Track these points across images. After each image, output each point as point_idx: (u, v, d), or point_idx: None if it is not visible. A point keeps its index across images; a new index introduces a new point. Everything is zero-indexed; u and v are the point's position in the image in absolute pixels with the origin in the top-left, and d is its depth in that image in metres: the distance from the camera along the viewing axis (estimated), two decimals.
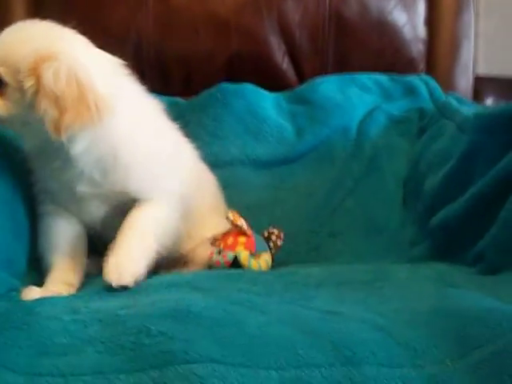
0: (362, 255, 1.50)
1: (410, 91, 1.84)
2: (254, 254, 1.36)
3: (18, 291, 1.10)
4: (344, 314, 0.89)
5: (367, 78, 1.84)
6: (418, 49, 1.95)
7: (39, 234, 1.23)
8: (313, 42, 1.88)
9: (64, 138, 1.07)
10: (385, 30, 1.91)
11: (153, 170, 1.22)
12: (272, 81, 1.84)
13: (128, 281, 1.06)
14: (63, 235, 1.23)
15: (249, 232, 1.38)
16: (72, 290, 1.17)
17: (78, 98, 1.06)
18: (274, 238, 1.43)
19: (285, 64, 1.88)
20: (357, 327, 0.83)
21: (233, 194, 1.61)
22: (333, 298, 1.01)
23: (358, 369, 0.75)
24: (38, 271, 1.23)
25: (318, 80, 1.82)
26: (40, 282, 1.18)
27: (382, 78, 1.86)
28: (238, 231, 1.38)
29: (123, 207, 1.20)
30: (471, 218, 1.27)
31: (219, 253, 1.35)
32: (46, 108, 1.05)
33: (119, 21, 1.85)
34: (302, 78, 1.89)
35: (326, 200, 1.64)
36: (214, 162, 1.58)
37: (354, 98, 1.78)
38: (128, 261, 1.10)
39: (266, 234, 1.44)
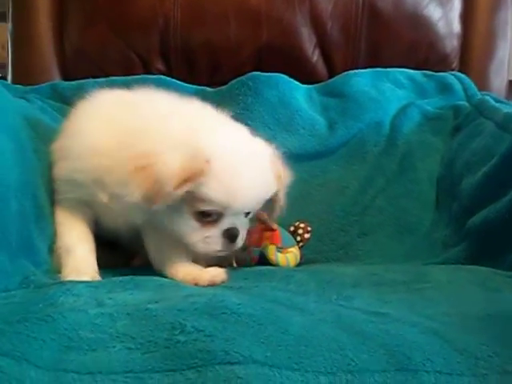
0: (392, 256, 1.44)
1: (444, 88, 1.78)
2: (281, 248, 1.30)
3: (37, 279, 1.04)
4: (390, 316, 0.83)
5: (400, 73, 1.78)
6: (452, 45, 1.88)
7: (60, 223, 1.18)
8: (344, 34, 1.81)
9: None
10: (419, 24, 1.84)
11: None
12: (301, 73, 1.78)
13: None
14: (83, 225, 1.17)
15: (274, 226, 1.32)
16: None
17: None
18: (300, 231, 1.38)
19: (315, 56, 1.82)
20: (408, 330, 0.77)
21: None
22: (373, 298, 0.95)
23: (415, 376, 0.69)
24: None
25: (351, 73, 1.76)
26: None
27: (416, 73, 1.80)
28: (263, 227, 1.32)
29: None
30: None
31: (244, 249, 1.29)
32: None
33: (146, 7, 1.79)
34: (332, 70, 1.83)
35: (357, 198, 1.58)
36: None
37: (388, 92, 1.72)
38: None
39: (292, 229, 1.39)
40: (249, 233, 1.31)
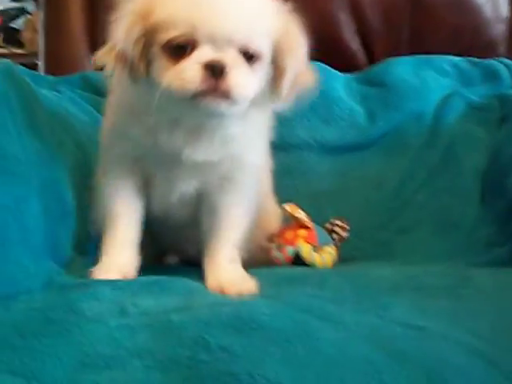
0: (433, 254, 1.38)
1: (491, 76, 1.70)
2: (317, 248, 1.25)
3: (61, 279, 1.00)
4: (431, 331, 0.77)
5: (444, 61, 1.70)
6: (499, 29, 1.80)
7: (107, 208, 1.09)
8: (386, 21, 1.75)
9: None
10: (464, 8, 1.76)
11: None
12: (340, 61, 1.71)
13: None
14: (132, 213, 1.09)
15: (309, 224, 1.27)
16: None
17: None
18: (337, 229, 1.32)
19: (355, 43, 1.75)
20: (450, 350, 0.71)
21: (298, 180, 1.53)
22: (412, 306, 0.89)
23: None
24: (84, 255, 1.14)
25: (392, 61, 1.69)
26: (86, 268, 1.07)
27: (460, 60, 1.72)
28: (298, 224, 1.27)
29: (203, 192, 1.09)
30: None
31: (279, 248, 1.24)
32: (291, 76, 0.99)
33: None
34: (372, 58, 1.77)
35: (397, 192, 1.52)
36: (279, 144, 1.46)
37: (430, 81, 1.65)
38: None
39: (329, 226, 1.33)
40: (283, 231, 1.27)
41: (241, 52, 0.93)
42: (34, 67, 2.00)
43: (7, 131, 0.99)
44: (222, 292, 0.98)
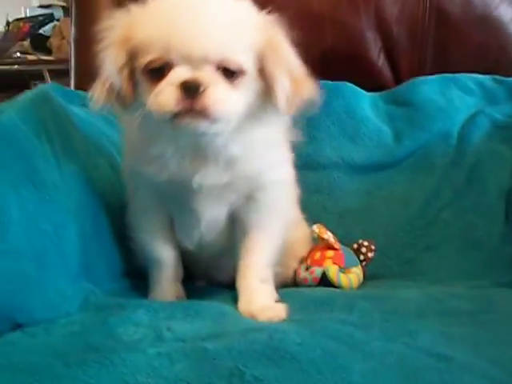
0: (458, 272, 1.38)
1: None
2: (344, 269, 1.27)
3: (96, 299, 1.05)
4: (456, 362, 0.80)
5: (469, 79, 1.71)
6: None
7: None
8: (411, 39, 1.75)
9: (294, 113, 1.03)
10: (489, 26, 1.76)
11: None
12: (366, 78, 1.73)
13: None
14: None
15: (336, 245, 1.29)
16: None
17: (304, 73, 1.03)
18: (364, 250, 1.34)
19: (380, 61, 1.76)
20: (474, 382, 0.73)
21: (326, 199, 1.55)
22: (438, 334, 0.92)
23: None
24: (119, 277, 1.19)
25: (418, 80, 1.70)
26: (123, 288, 1.16)
27: (485, 79, 1.72)
28: (325, 245, 1.29)
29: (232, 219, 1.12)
30: None
31: (306, 269, 1.27)
32: (284, 85, 0.99)
33: None
34: (398, 76, 1.77)
35: (423, 210, 1.53)
36: (308, 164, 1.50)
37: (456, 100, 1.65)
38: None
39: (355, 247, 1.35)
40: (311, 252, 1.30)
41: (220, 69, 0.94)
42: (62, 73, 2.04)
43: (47, 160, 1.03)
44: (253, 318, 1.01)
